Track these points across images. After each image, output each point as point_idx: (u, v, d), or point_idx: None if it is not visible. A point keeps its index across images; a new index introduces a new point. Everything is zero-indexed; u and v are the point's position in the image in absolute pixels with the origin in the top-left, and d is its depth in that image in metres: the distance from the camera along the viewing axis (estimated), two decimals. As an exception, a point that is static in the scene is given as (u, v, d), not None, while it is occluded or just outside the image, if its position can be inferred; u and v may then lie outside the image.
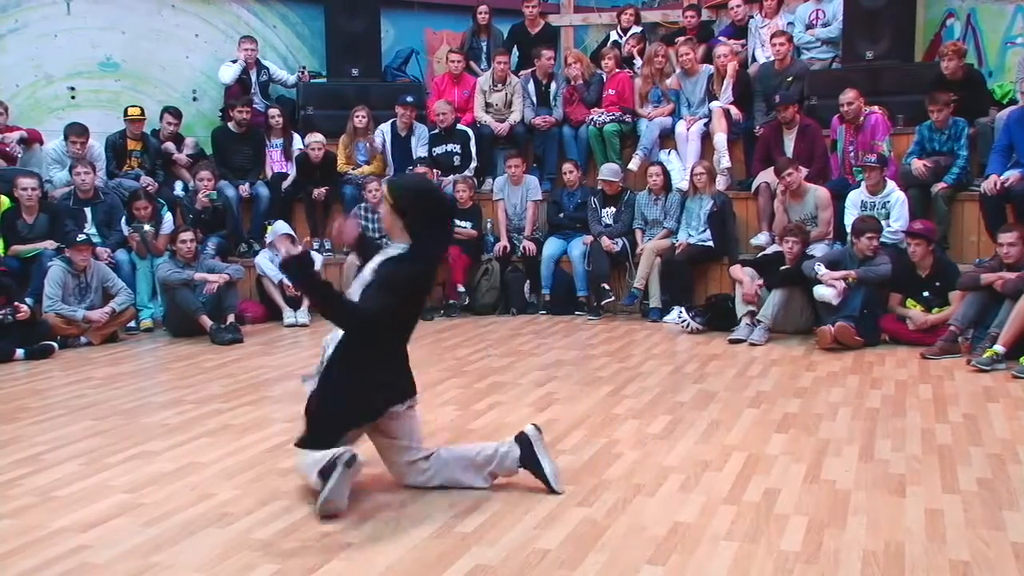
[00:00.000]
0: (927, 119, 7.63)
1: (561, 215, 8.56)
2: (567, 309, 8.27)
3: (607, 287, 8.02)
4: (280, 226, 8.16)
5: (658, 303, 7.90)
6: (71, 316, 7.03)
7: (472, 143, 9.05)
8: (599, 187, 8.43)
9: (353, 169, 9.03)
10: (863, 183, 7.28)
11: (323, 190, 8.75)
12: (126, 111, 8.70)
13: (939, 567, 2.99)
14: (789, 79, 8.46)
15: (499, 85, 9.27)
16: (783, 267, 7.04)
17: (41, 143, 8.60)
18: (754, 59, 9.29)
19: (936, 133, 7.60)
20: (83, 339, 7.11)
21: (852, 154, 7.76)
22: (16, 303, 6.70)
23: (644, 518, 3.41)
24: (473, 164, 9.01)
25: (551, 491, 3.65)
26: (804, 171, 7.56)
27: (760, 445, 4.29)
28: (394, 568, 3.03)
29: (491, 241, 8.68)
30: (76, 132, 8.21)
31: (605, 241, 8.13)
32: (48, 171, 8.36)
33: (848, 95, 7.68)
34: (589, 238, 8.24)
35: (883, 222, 7.08)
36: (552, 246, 8.41)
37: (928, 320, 6.56)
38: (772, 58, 8.74)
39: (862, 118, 7.71)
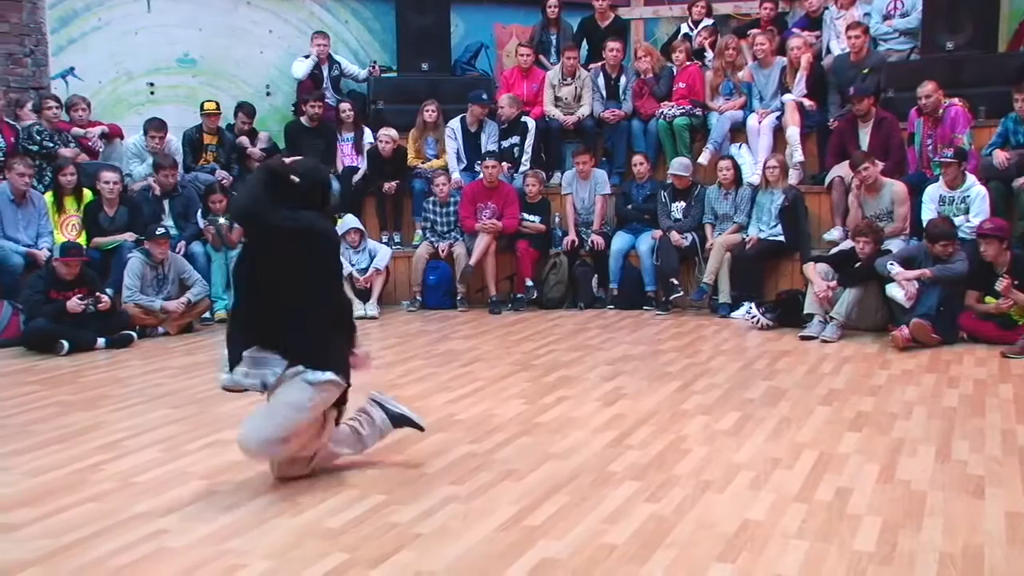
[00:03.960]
0: (1011, 111, 7.40)
1: (629, 205, 8.51)
2: (635, 304, 8.23)
3: (676, 282, 7.95)
4: (350, 219, 8.28)
5: (727, 298, 7.82)
6: (149, 306, 7.23)
7: (530, 136, 9.02)
8: (669, 181, 8.37)
9: (423, 163, 9.11)
10: (941, 177, 7.09)
11: (393, 184, 8.84)
12: (202, 106, 8.90)
13: (1020, 572, 2.91)
14: (865, 71, 8.28)
15: (568, 79, 9.24)
16: (856, 265, 6.88)
17: (121, 138, 8.86)
18: (828, 51, 9.09)
19: (1021, 126, 7.36)
20: (160, 329, 7.31)
21: (930, 147, 7.57)
22: (97, 293, 6.91)
23: (713, 515, 3.38)
24: (526, 157, 9.00)
25: (419, 428, 4.06)
26: (880, 165, 7.39)
27: (832, 443, 4.22)
28: (462, 559, 3.05)
29: (559, 235, 8.67)
30: (155, 127, 8.43)
31: (674, 235, 8.07)
32: (127, 165, 8.59)
33: (927, 87, 7.48)
34: (658, 232, 8.17)
35: (962, 217, 6.89)
36: (620, 240, 8.37)
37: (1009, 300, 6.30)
38: (847, 50, 8.56)
39: (941, 111, 7.52)
